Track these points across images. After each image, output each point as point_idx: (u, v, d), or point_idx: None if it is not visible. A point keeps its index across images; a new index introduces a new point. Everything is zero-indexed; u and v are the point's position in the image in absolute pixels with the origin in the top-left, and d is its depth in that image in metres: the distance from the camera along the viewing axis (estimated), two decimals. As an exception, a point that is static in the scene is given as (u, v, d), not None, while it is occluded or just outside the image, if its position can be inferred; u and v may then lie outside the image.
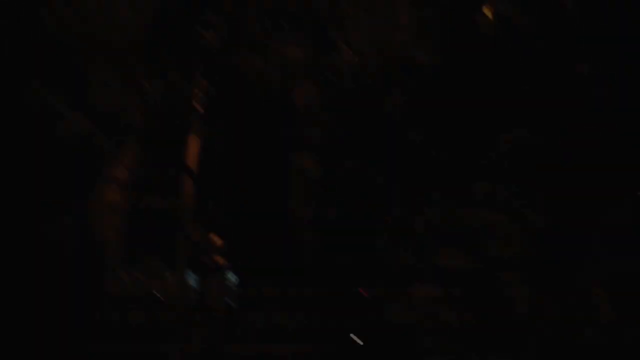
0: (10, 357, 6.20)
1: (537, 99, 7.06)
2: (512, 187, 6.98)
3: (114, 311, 7.01)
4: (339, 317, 7.47)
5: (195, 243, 6.71)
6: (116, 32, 6.75)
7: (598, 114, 7.01)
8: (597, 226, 7.33)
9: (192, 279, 6.68)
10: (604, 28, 7.16)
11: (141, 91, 6.65)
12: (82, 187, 7.11)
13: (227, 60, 7.52)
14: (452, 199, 7.47)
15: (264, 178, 8.29)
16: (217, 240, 7.03)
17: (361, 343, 7.31)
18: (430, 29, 7.58)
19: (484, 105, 7.36)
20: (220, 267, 6.89)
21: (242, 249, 7.61)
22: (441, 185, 7.62)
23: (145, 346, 6.74)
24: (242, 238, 7.74)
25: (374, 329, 7.53)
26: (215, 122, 7.60)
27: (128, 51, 6.83)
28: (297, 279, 7.56)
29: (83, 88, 6.81)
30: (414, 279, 7.71)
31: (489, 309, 7.37)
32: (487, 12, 7.60)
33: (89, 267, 7.27)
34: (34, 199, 6.91)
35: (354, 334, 7.36)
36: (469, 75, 7.65)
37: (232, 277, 7.39)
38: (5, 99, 6.80)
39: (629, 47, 6.74)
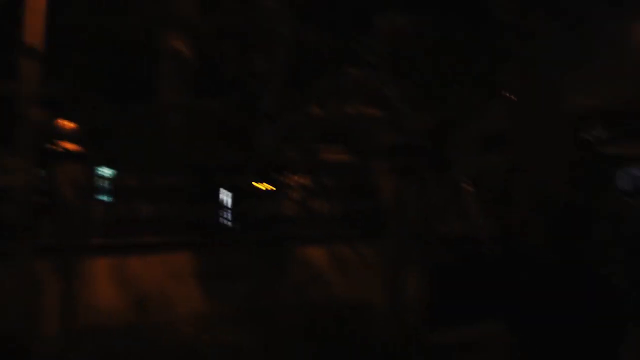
0: None
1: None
2: (382, 77, 6.82)
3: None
4: (209, 208, 7.29)
5: (41, 129, 5.93)
6: None
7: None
8: (469, 123, 7.51)
9: (38, 168, 5.98)
10: None
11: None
12: None
13: None
14: (318, 90, 7.21)
15: (128, 59, 7.46)
16: (68, 125, 6.27)
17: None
18: None
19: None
20: (72, 155, 6.22)
21: (101, 136, 6.94)
22: (316, 76, 7.31)
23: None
24: (102, 124, 7.04)
25: (248, 218, 7.48)
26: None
27: None
28: (164, 168, 7.14)
29: None
30: (290, 170, 7.63)
31: (359, 198, 7.54)
32: None
33: None
34: None
35: (226, 224, 7.26)
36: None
37: (91, 165, 6.79)
38: None
39: None
